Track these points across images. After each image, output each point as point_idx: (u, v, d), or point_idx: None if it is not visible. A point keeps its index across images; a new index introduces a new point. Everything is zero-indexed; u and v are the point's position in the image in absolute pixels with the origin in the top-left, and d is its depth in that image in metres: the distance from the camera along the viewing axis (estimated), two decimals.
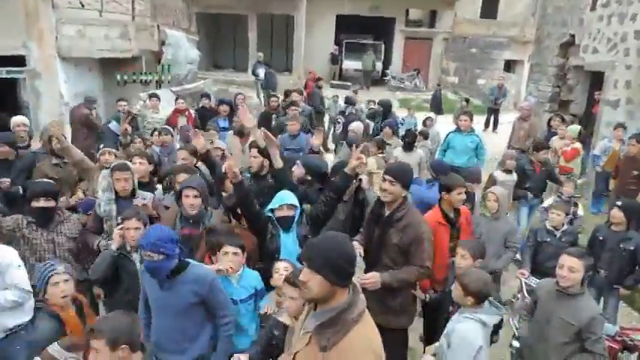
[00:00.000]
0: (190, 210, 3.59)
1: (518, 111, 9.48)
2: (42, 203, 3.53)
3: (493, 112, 13.97)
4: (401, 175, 3.38)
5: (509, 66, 19.83)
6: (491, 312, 2.92)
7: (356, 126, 6.76)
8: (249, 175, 4.47)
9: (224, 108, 7.98)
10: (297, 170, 4.54)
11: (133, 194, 4.01)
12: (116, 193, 3.93)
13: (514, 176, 6.04)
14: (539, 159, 6.20)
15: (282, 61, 19.67)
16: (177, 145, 5.98)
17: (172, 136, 6.28)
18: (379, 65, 20.67)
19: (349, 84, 19.73)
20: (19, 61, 8.26)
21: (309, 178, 4.43)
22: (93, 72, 9.98)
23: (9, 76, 8.24)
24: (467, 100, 13.51)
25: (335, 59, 20.45)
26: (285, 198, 3.52)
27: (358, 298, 1.93)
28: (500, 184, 5.63)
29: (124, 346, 2.25)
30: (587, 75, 9.79)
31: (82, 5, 9.34)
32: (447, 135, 7.11)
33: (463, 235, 4.03)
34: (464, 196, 4.03)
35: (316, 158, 5.00)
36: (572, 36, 9.92)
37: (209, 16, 19.06)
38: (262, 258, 3.55)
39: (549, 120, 7.91)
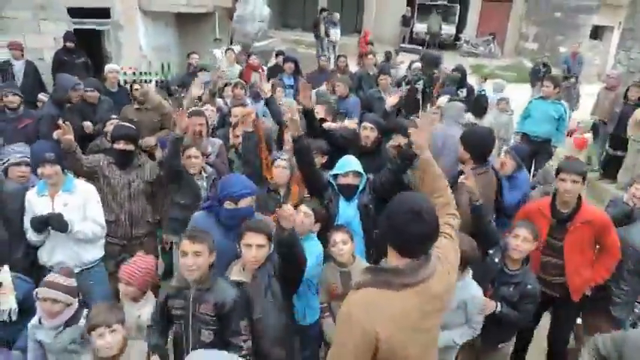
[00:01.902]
0: None
1: (604, 81, 8.80)
2: (122, 146, 3.71)
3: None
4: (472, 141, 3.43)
5: (597, 33, 18.27)
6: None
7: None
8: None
9: (289, 65, 8.03)
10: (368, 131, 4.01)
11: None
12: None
13: None
14: None
15: (352, 22, 19.30)
16: (248, 101, 6.16)
17: (245, 90, 6.46)
18: (449, 28, 19.71)
19: (419, 48, 19.10)
20: (104, 13, 8.73)
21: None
22: (169, 26, 10.36)
23: (95, 28, 8.74)
24: (544, 65, 11.87)
25: (407, 21, 19.76)
26: (352, 164, 3.28)
27: (416, 269, 1.80)
28: None
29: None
30: None
31: None
32: (530, 101, 6.68)
33: (572, 247, 3.28)
34: (570, 187, 3.19)
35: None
36: None
37: None
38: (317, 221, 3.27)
39: (627, 90, 7.11)
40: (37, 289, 2.61)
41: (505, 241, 3.13)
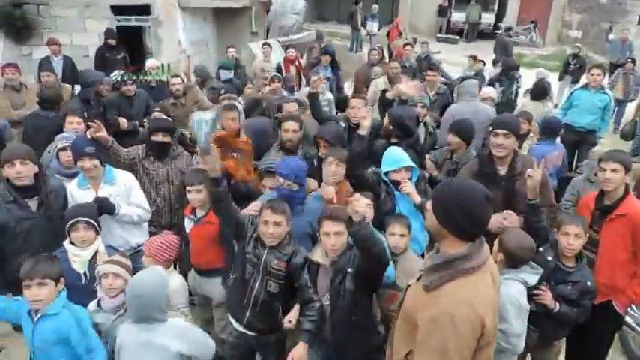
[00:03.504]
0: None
1: None
2: (160, 138, 3.82)
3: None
4: (513, 126, 3.22)
5: None
6: (532, 271, 2.75)
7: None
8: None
9: (326, 58, 8.05)
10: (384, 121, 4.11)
11: (237, 135, 4.30)
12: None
13: None
14: None
15: (387, 12, 19.06)
16: (285, 93, 6.23)
17: (281, 81, 6.51)
18: (488, 17, 19.18)
19: (456, 37, 18.70)
20: (145, 10, 8.97)
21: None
22: (207, 21, 10.53)
23: (137, 24, 8.99)
24: (575, 56, 10.83)
25: (443, 11, 19.37)
26: (403, 160, 3.28)
27: (478, 250, 1.85)
28: None
29: None
30: None
31: None
32: (572, 91, 6.44)
33: (605, 241, 3.13)
34: (609, 176, 3.08)
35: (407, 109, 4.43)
36: None
37: None
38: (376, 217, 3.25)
39: None
40: (98, 267, 2.72)
41: (554, 237, 3.00)
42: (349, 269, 2.65)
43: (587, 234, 2.95)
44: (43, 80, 5.91)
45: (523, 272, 2.72)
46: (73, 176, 3.57)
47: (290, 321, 2.74)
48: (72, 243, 2.92)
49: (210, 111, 4.55)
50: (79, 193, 3.36)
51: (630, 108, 8.95)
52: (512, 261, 2.71)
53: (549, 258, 2.97)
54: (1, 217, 2.98)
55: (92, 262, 2.90)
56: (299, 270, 2.74)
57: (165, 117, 4.16)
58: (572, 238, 2.88)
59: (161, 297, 2.45)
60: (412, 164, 3.29)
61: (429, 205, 1.95)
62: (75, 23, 8.63)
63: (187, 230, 3.32)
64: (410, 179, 3.27)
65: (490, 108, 5.28)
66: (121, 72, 6.81)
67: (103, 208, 3.24)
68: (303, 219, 3.08)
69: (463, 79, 7.29)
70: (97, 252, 2.95)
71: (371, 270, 2.59)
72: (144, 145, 3.96)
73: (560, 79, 10.79)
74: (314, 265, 2.79)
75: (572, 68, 10.62)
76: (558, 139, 5.04)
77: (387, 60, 8.68)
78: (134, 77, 6.32)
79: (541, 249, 3.01)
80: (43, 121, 4.73)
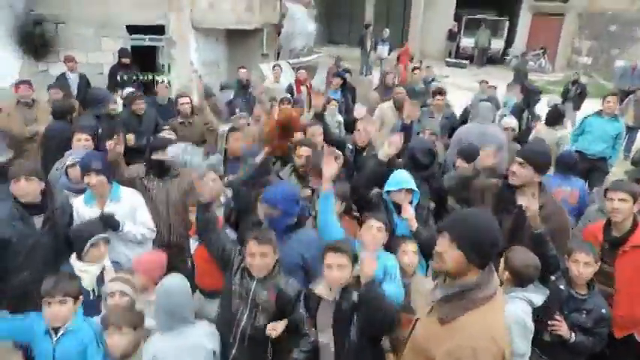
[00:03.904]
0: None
1: None
2: (160, 156, 3.84)
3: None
4: (533, 156, 3.00)
5: None
6: (539, 291, 2.73)
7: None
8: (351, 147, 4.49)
9: (337, 81, 8.12)
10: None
11: (238, 157, 4.38)
12: (225, 153, 4.33)
13: None
14: None
15: (398, 37, 19.29)
16: None
17: (291, 103, 6.58)
18: (497, 42, 19.34)
19: (465, 62, 18.84)
20: (159, 30, 9.16)
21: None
22: (219, 42, 10.71)
23: (150, 44, 9.17)
24: (574, 82, 10.77)
25: (453, 36, 19.58)
26: (405, 181, 3.26)
27: (490, 279, 1.82)
28: None
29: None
30: None
31: None
32: (584, 118, 6.34)
33: (622, 274, 3.06)
34: (618, 206, 3.06)
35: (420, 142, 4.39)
36: None
37: None
38: None
39: None
40: (104, 287, 2.73)
41: (565, 265, 2.95)
42: (354, 318, 2.46)
43: (598, 263, 2.89)
44: (51, 96, 6.13)
45: (529, 292, 2.72)
46: (80, 192, 3.59)
47: (274, 329, 2.57)
48: (78, 259, 2.93)
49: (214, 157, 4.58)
50: (84, 210, 3.38)
51: None
52: (519, 280, 2.70)
53: (562, 287, 2.92)
54: (5, 233, 3.00)
55: (99, 278, 2.92)
56: (291, 303, 2.58)
57: (170, 136, 4.22)
58: (582, 266, 2.84)
59: (189, 297, 2.56)
60: (413, 187, 3.26)
61: (443, 245, 1.82)
62: (91, 42, 8.82)
63: (192, 251, 3.32)
64: (410, 202, 3.25)
65: (500, 132, 5.20)
66: (133, 90, 6.92)
67: (108, 224, 3.26)
68: (293, 249, 2.89)
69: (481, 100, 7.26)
70: (103, 268, 2.98)
71: (375, 331, 2.50)
72: (144, 163, 3.97)
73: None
74: (315, 299, 2.58)
75: (573, 95, 10.53)
76: (576, 178, 4.68)
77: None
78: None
79: (553, 278, 2.97)
80: (54, 132, 4.83)
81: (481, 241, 1.78)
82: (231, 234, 3.35)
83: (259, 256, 2.55)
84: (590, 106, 11.41)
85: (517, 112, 7.05)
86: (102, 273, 2.97)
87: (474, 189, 3.40)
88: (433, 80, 9.13)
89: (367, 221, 3.01)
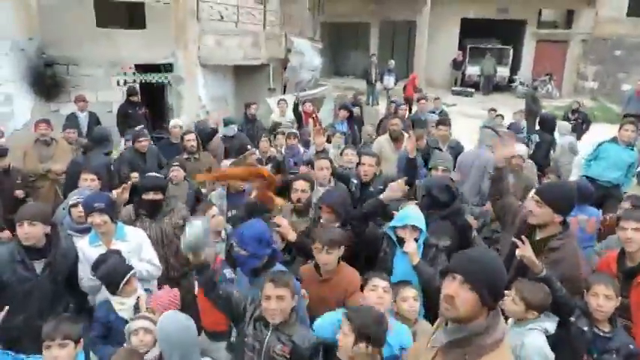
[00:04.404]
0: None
1: None
2: (151, 196, 3.83)
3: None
4: (550, 196, 2.87)
5: None
6: (550, 319, 2.67)
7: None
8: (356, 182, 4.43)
9: (343, 113, 8.20)
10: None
11: (243, 190, 4.37)
12: (228, 188, 4.31)
13: None
14: None
15: (403, 67, 19.54)
16: (301, 149, 6.33)
17: (298, 138, 6.62)
18: (502, 70, 19.49)
19: (471, 90, 18.95)
20: (166, 68, 9.36)
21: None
22: (227, 78, 10.91)
23: (159, 81, 9.35)
24: (575, 111, 10.92)
25: (458, 65, 19.78)
26: (411, 217, 3.16)
27: (497, 323, 1.73)
28: None
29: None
30: None
31: (222, 17, 10.27)
32: (599, 144, 6.14)
33: (637, 306, 2.96)
34: (631, 235, 2.99)
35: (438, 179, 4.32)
36: None
37: (332, 24, 19.71)
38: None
39: None
40: (127, 325, 2.72)
41: (583, 301, 2.83)
42: None
43: (619, 297, 2.76)
44: (65, 136, 6.26)
45: (542, 321, 2.65)
46: (84, 231, 3.59)
47: None
48: (113, 294, 2.98)
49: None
50: (90, 250, 3.35)
51: None
52: (538, 310, 2.64)
53: (585, 328, 2.75)
54: (5, 276, 2.96)
55: (135, 307, 2.97)
56: (307, 357, 2.41)
57: (159, 175, 4.32)
58: (602, 299, 2.70)
59: (194, 334, 2.52)
60: (419, 225, 3.15)
61: (456, 289, 1.71)
62: (101, 81, 9.02)
63: (195, 291, 3.26)
64: (416, 240, 3.14)
65: (490, 155, 5.05)
66: (142, 127, 7.01)
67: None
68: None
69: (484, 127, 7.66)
70: (138, 297, 3.01)
71: None
72: (132, 204, 3.97)
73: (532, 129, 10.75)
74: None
75: (574, 124, 10.27)
76: (592, 208, 4.64)
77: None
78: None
79: (572, 319, 2.80)
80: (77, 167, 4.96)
81: (496, 281, 1.71)
82: (230, 274, 3.28)
83: (275, 300, 2.40)
84: (598, 130, 11.37)
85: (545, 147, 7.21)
86: (137, 302, 3.01)
87: (505, 210, 3.35)
88: (442, 112, 9.19)
89: (371, 281, 2.82)
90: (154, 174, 4.28)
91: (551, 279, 2.72)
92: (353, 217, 3.45)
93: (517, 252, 2.73)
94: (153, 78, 9.23)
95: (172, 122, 6.76)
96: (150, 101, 8.79)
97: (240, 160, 5.32)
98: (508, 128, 8.78)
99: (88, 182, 4.20)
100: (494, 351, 1.68)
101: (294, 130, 6.91)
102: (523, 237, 2.76)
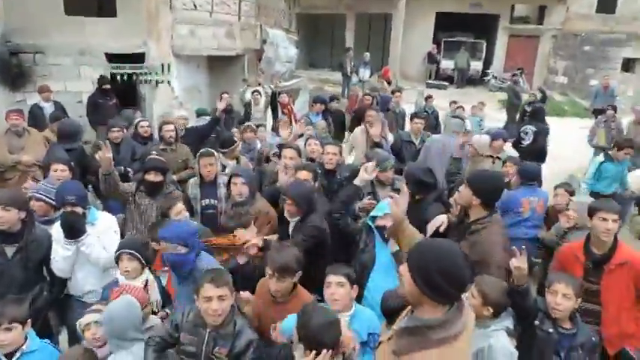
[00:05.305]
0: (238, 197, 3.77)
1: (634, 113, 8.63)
2: (152, 177, 4.05)
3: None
4: (474, 180, 3.01)
5: (628, 65, 17.98)
6: (509, 315, 2.73)
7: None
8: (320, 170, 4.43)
9: (318, 106, 8.20)
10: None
11: (215, 179, 4.38)
12: (201, 177, 4.33)
13: None
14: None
15: (378, 60, 19.61)
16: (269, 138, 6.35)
17: (255, 132, 6.52)
18: (476, 64, 19.81)
19: (446, 83, 19.19)
20: (138, 58, 9.14)
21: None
22: (200, 68, 10.73)
23: (131, 71, 9.14)
24: (530, 103, 10.28)
25: (432, 59, 19.98)
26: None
27: (456, 317, 1.72)
28: None
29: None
30: None
31: (195, 7, 10.08)
32: (600, 163, 6.41)
33: (609, 291, 3.07)
34: (612, 226, 3.06)
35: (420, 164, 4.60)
36: None
37: (308, 16, 19.61)
38: (355, 270, 3.01)
39: None
40: (79, 321, 2.69)
41: (541, 305, 2.86)
42: None
43: (579, 299, 2.79)
44: (8, 121, 5.73)
45: (504, 320, 2.69)
46: (48, 222, 3.54)
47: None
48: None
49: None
50: (60, 235, 3.29)
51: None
52: (500, 311, 2.66)
53: (550, 330, 2.77)
54: None
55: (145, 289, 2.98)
56: (244, 356, 2.36)
57: (160, 157, 4.36)
58: (559, 297, 2.72)
59: (134, 319, 2.53)
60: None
61: (403, 269, 1.80)
62: (69, 70, 8.76)
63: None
64: None
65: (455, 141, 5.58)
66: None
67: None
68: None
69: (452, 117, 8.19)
70: (147, 281, 3.03)
71: None
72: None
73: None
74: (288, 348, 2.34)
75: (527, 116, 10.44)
76: (541, 189, 4.82)
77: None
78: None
79: (537, 322, 2.83)
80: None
81: (429, 273, 1.69)
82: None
83: (217, 300, 2.33)
84: (568, 123, 11.70)
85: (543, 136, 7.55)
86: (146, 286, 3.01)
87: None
88: (434, 112, 9.57)
89: (326, 277, 2.69)
90: (158, 157, 4.38)
91: (529, 290, 2.74)
92: (332, 209, 3.49)
93: (512, 262, 2.67)
94: (125, 68, 9.01)
95: (141, 122, 6.45)
96: (121, 92, 8.59)
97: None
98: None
99: (59, 173, 4.13)
100: (443, 346, 1.67)
101: (251, 124, 6.79)
102: (523, 247, 2.72)
